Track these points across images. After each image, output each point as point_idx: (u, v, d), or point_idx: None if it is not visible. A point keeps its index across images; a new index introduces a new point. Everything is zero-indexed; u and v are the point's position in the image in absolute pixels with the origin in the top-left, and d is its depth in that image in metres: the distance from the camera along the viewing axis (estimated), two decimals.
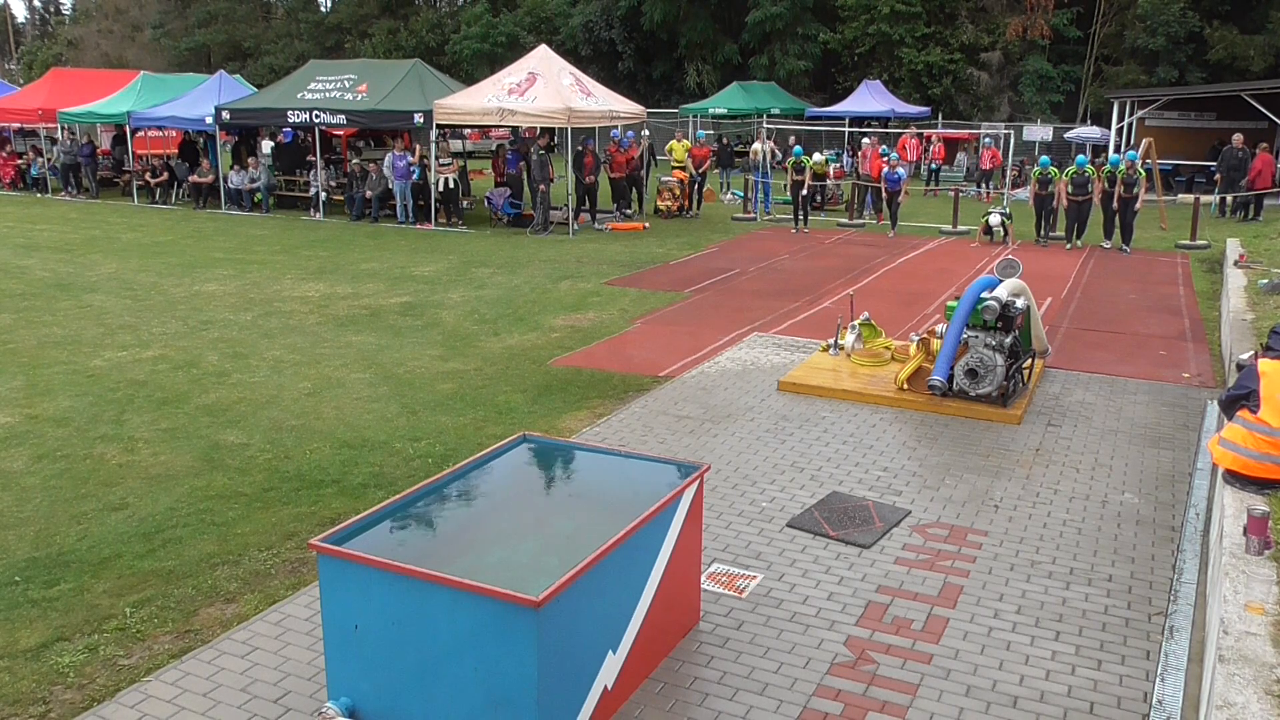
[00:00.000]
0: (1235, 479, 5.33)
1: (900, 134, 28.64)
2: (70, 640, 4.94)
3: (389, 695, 4.04)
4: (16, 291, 13.65)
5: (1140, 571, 5.65)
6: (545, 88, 18.82)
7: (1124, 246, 17.42)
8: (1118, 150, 25.67)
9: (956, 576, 5.58)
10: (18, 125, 27.83)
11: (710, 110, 34.59)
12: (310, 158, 22.52)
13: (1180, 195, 24.54)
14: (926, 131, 29.49)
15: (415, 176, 20.45)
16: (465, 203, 21.15)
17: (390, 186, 20.83)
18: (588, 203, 20.70)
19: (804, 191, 19.51)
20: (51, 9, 75.15)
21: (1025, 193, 23.88)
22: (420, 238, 18.89)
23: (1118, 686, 4.57)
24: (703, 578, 5.39)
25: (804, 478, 6.98)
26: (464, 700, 3.88)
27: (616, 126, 21.16)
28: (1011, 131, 24.79)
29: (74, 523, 6.28)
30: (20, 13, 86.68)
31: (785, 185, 20.12)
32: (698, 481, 4.90)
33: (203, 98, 23.22)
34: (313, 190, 22.08)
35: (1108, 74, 33.80)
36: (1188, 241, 17.81)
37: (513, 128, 21.23)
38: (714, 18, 39.24)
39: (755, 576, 5.56)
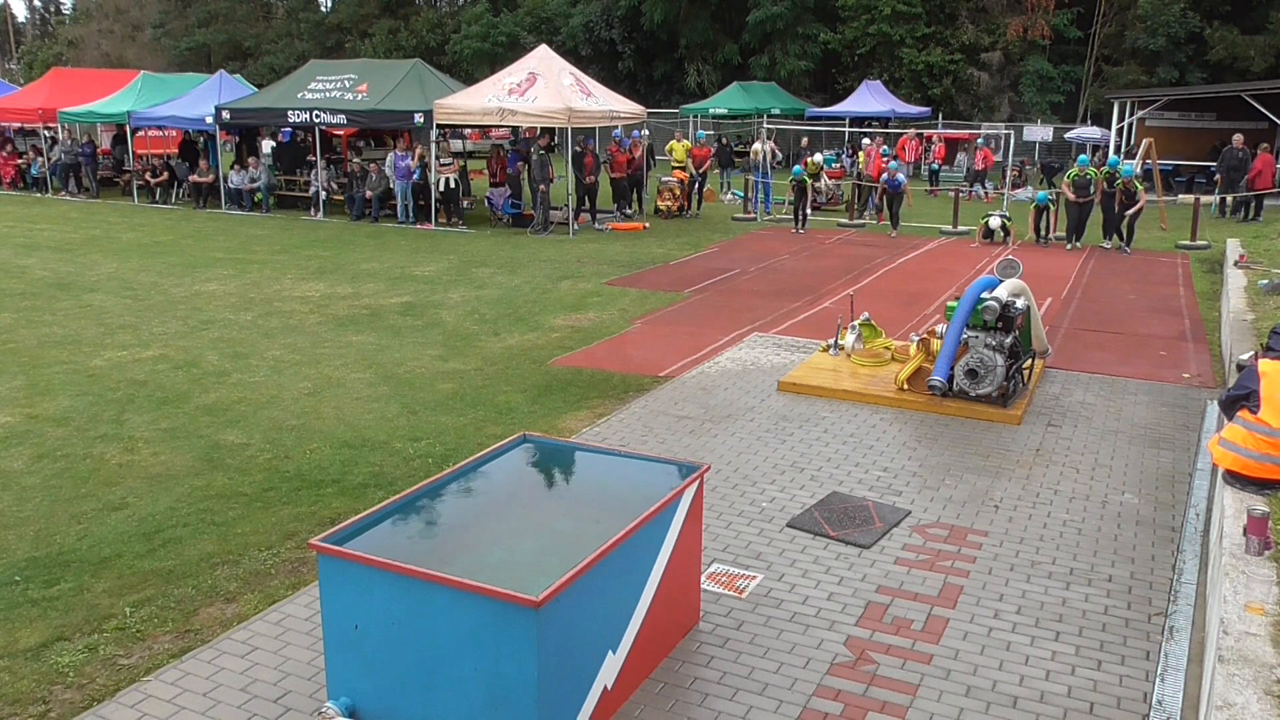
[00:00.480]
0: (1235, 479, 5.32)
1: (900, 134, 28.66)
2: (70, 640, 4.94)
3: (389, 695, 4.05)
4: (16, 291, 13.65)
5: (1140, 572, 5.65)
6: (545, 88, 18.81)
7: (1125, 247, 17.43)
8: (1118, 151, 25.70)
9: (956, 577, 5.58)
10: (18, 125, 27.83)
11: (710, 110, 34.59)
12: (310, 158, 22.52)
13: (1180, 195, 24.54)
14: (927, 132, 29.50)
15: (416, 177, 20.46)
16: (466, 203, 21.16)
17: (391, 186, 20.84)
18: (588, 203, 20.70)
19: (805, 198, 19.66)
20: (52, 9, 75.19)
21: (1025, 193, 23.93)
22: (420, 238, 18.89)
23: (1117, 687, 4.57)
24: (703, 578, 5.40)
25: (804, 478, 6.98)
26: (464, 700, 3.88)
27: (617, 127, 21.17)
28: (1012, 132, 24.80)
29: (74, 522, 6.28)
30: (20, 12, 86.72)
31: (790, 185, 20.15)
32: (698, 481, 4.90)
33: (203, 97, 23.21)
34: (313, 189, 22.08)
35: (1108, 74, 33.81)
36: (1188, 242, 17.82)
37: (513, 128, 21.22)
38: (714, 18, 39.24)
39: (755, 577, 5.56)
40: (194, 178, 23.74)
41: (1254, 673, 3.63)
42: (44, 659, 4.78)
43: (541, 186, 18.97)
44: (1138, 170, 17.86)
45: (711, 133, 32.03)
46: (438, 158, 19.86)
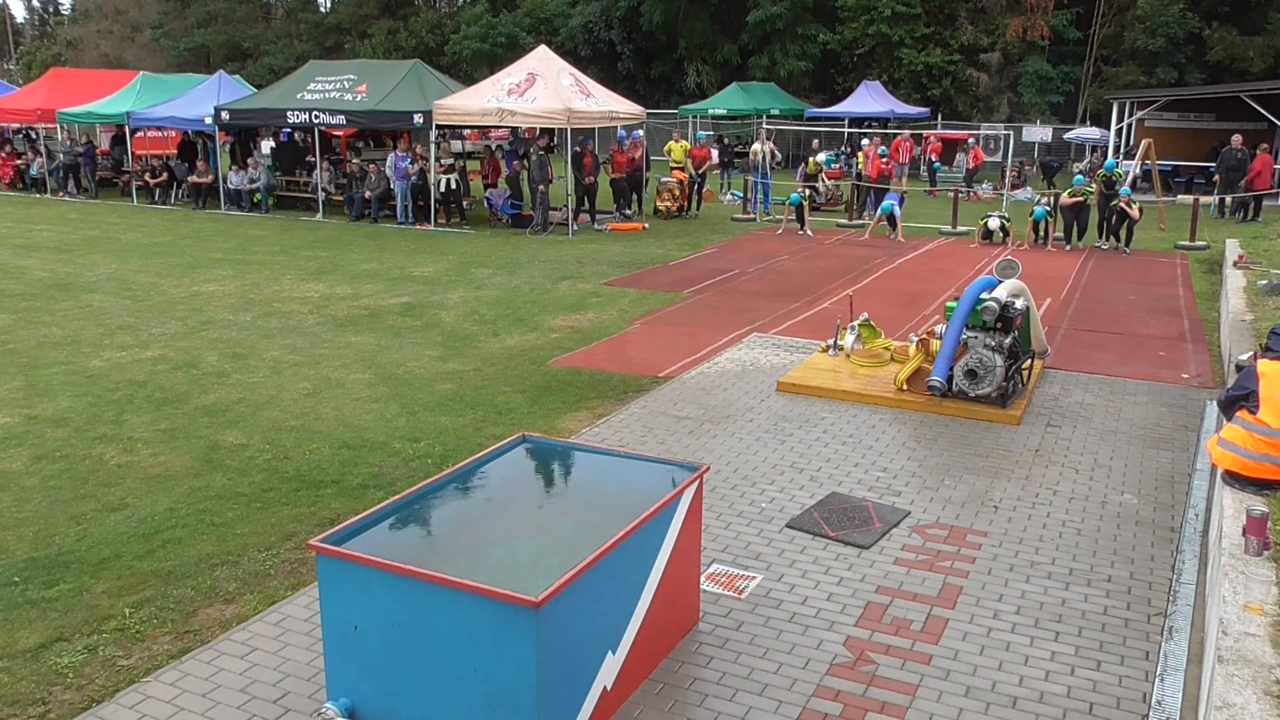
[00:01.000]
0: (1234, 480, 5.33)
1: (897, 134, 28.68)
2: (69, 641, 4.94)
3: (388, 696, 4.04)
4: (16, 292, 13.64)
5: (1139, 572, 5.65)
6: (545, 88, 18.82)
7: (1124, 248, 17.44)
8: (1117, 151, 25.73)
9: (956, 577, 5.58)
10: (17, 125, 27.82)
11: (710, 111, 34.59)
12: (310, 158, 22.50)
13: (1180, 196, 24.53)
14: (926, 132, 29.51)
15: (416, 178, 20.46)
16: (465, 203, 21.16)
17: (391, 187, 20.84)
18: (587, 203, 20.70)
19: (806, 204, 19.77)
20: (51, 9, 75.15)
21: (1025, 194, 23.94)
22: (420, 238, 18.89)
23: (1117, 687, 4.57)
24: (702, 578, 5.39)
25: (803, 478, 6.98)
26: (463, 701, 3.88)
27: (618, 127, 21.16)
28: (1011, 133, 24.82)
29: (73, 523, 6.28)
30: (19, 13, 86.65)
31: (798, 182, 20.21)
32: (697, 482, 4.90)
33: (202, 98, 23.20)
34: (318, 190, 22.07)
35: (1107, 75, 33.83)
36: (1187, 242, 17.82)
37: (512, 128, 21.23)
38: (714, 18, 39.24)
39: (754, 577, 5.56)
40: (193, 178, 23.74)
41: (1253, 673, 3.63)
42: (43, 660, 4.77)
43: (541, 187, 18.98)
44: (1137, 170, 17.86)
45: (711, 133, 32.04)
46: (437, 159, 19.86)
